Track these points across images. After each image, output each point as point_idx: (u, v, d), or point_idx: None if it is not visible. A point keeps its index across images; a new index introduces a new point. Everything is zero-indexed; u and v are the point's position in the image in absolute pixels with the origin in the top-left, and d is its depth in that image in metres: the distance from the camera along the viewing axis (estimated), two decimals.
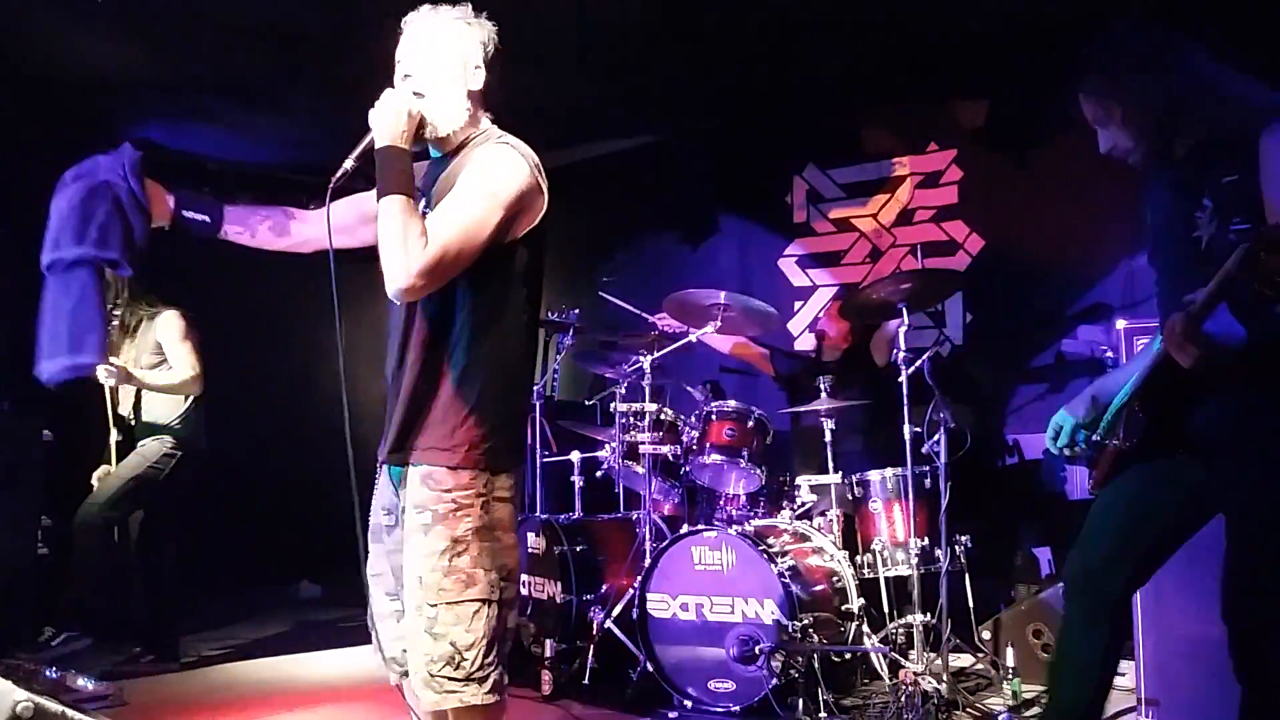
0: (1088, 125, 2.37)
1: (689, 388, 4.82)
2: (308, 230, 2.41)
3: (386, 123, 2.14)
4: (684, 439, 4.37)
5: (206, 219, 2.34)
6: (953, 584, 3.86)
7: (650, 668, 3.87)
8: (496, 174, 2.12)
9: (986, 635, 4.11)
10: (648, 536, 4.21)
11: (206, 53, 4.90)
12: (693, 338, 4.53)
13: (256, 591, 6.71)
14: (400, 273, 2.06)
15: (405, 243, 2.06)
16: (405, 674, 2.21)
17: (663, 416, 4.44)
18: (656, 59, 5.13)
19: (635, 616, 3.94)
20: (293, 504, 6.58)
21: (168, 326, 4.62)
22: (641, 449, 4.38)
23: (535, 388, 5.13)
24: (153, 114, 5.76)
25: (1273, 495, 2.15)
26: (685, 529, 3.96)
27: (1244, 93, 2.23)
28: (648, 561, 4.00)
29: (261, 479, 6.63)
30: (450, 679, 2.11)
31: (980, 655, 4.05)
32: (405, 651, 2.20)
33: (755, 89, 5.60)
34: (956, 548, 3.97)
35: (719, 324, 4.39)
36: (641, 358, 4.42)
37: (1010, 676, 3.78)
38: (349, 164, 2.14)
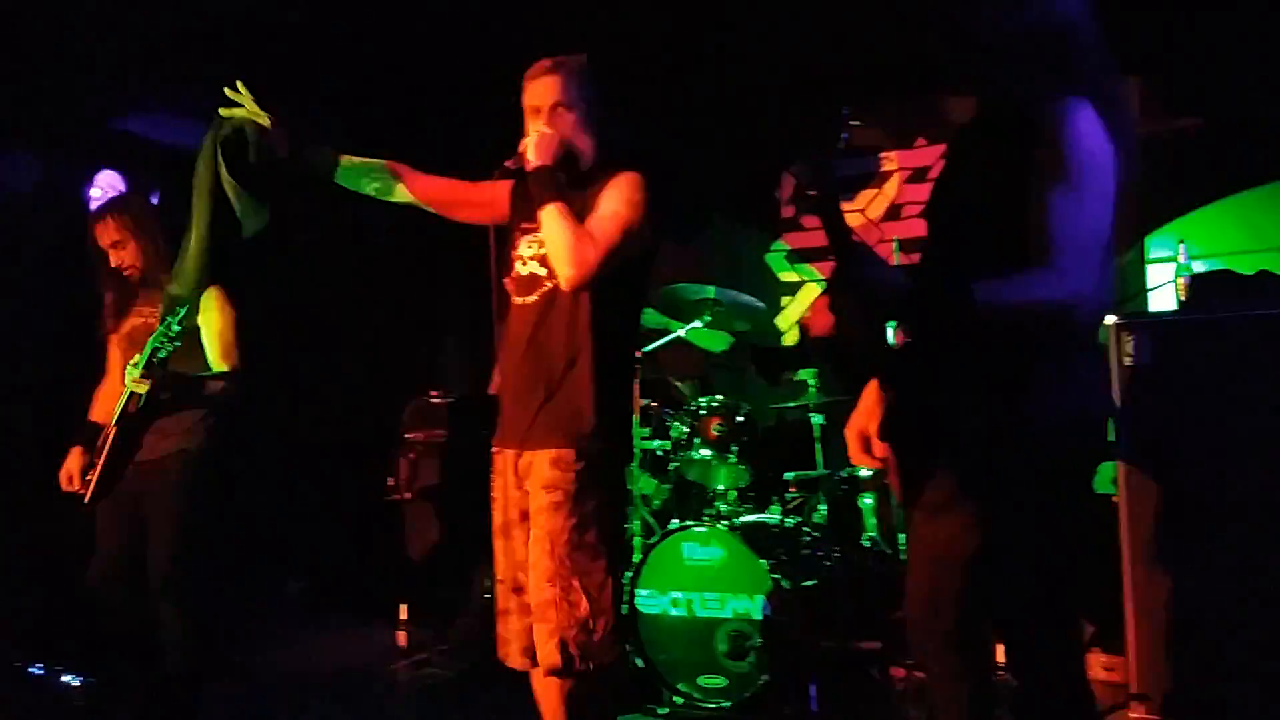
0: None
1: (677, 382, 4.80)
2: (420, 192, 2.71)
3: (538, 149, 2.47)
4: (673, 434, 4.36)
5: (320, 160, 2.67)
6: None
7: (640, 664, 3.85)
8: (637, 192, 2.52)
9: None
10: (637, 532, 4.19)
11: (186, 43, 4.80)
12: (681, 332, 4.50)
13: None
14: (574, 264, 2.37)
15: (576, 239, 2.38)
16: (536, 663, 2.39)
17: (651, 411, 4.42)
18: (644, 53, 5.11)
19: (624, 613, 3.92)
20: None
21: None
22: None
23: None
24: (132, 105, 5.64)
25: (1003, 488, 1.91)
26: (675, 524, 3.95)
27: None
28: (637, 557, 3.98)
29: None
30: (583, 645, 2.31)
31: None
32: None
33: (745, 83, 5.58)
34: None
35: (709, 320, 4.37)
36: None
37: (1003, 671, 3.78)
38: (510, 164, 2.51)
